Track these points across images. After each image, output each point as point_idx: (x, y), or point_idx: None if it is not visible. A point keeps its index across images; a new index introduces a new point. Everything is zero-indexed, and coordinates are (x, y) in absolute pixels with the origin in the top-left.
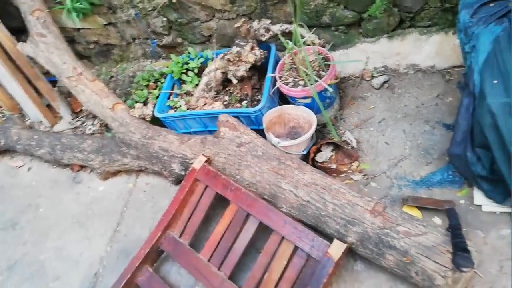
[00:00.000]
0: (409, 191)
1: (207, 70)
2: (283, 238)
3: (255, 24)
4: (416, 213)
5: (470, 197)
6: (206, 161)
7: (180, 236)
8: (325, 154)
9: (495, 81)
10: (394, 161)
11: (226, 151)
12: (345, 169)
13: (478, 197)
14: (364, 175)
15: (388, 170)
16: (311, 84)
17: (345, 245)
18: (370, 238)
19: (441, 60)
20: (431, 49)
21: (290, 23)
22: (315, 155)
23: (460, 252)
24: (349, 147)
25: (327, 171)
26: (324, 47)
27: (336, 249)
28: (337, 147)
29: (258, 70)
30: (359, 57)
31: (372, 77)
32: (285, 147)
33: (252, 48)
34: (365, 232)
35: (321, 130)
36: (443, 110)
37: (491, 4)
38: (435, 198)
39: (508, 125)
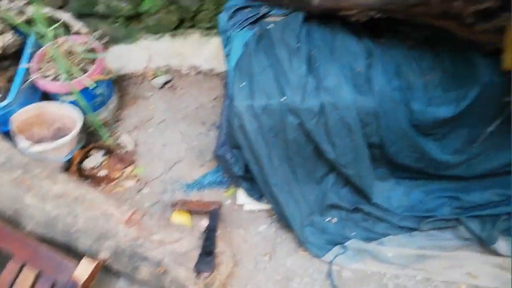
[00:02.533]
0: (182, 194)
1: None
2: (23, 265)
3: (3, 3)
4: (186, 217)
5: (235, 197)
6: None
7: None
8: (95, 160)
9: (242, 84)
10: (170, 164)
11: None
12: (118, 175)
13: (241, 196)
14: (137, 181)
15: (163, 174)
16: (70, 80)
17: (93, 264)
18: (124, 251)
19: (219, 63)
20: (210, 51)
21: (61, 7)
22: (81, 161)
23: (202, 256)
24: (123, 151)
25: (96, 178)
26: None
27: (82, 270)
28: (109, 151)
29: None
30: (142, 54)
31: (155, 76)
32: (41, 152)
33: (1, 33)
34: (119, 245)
35: (94, 133)
36: (219, 112)
37: (246, 10)
38: (204, 201)
39: (253, 127)
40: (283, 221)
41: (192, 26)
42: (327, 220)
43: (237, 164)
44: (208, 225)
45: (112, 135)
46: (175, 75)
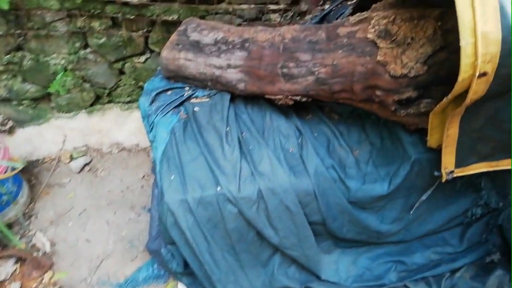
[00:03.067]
0: None
1: None
2: None
3: None
4: None
5: None
6: None
7: None
8: (5, 271)
9: (172, 177)
10: (96, 262)
11: None
12: (35, 285)
13: None
14: None
15: (89, 275)
16: None
17: None
18: None
19: (145, 137)
20: (133, 125)
21: None
22: None
23: None
24: (39, 255)
25: None
26: (4, 126)
27: None
28: (22, 257)
29: None
30: (55, 135)
31: (72, 158)
32: None
33: None
34: None
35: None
36: (149, 193)
37: (168, 93)
38: None
39: (188, 222)
40: None
41: (110, 101)
42: None
43: (174, 261)
44: None
45: (23, 236)
46: (95, 156)
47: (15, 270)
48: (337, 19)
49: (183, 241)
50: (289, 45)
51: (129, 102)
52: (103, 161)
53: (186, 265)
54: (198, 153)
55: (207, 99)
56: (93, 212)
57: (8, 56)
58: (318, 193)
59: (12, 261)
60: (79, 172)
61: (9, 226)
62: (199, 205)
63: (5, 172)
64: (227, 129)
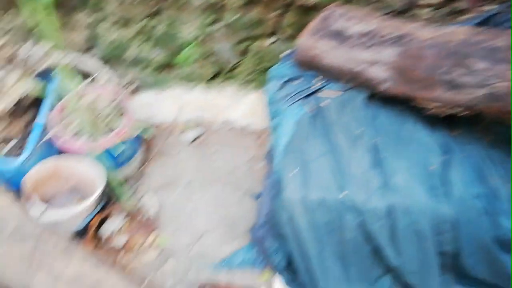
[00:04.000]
0: (209, 273)
1: None
2: None
3: (25, 47)
4: None
5: (271, 284)
6: None
7: None
8: (113, 225)
9: (294, 171)
10: (197, 235)
11: None
12: (138, 244)
13: (278, 285)
14: (160, 253)
15: (188, 247)
16: (93, 138)
17: None
18: None
19: (256, 120)
20: (248, 106)
21: (88, 50)
22: (99, 226)
23: None
24: (146, 216)
25: (113, 249)
26: (129, 87)
27: None
28: (131, 215)
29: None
30: (172, 104)
31: (185, 130)
32: (54, 221)
33: (21, 78)
34: None
35: (113, 192)
36: (256, 176)
37: (296, 82)
38: (235, 284)
39: (304, 222)
40: None
41: (229, 78)
42: None
43: (278, 255)
44: None
45: (133, 195)
46: (207, 130)
47: (123, 225)
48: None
49: (295, 239)
50: (458, 49)
51: (247, 82)
52: (214, 136)
53: (289, 261)
54: (324, 152)
55: (339, 93)
56: (200, 185)
57: (144, 21)
58: (459, 223)
59: (121, 216)
60: (190, 143)
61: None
62: (319, 207)
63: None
64: (359, 131)
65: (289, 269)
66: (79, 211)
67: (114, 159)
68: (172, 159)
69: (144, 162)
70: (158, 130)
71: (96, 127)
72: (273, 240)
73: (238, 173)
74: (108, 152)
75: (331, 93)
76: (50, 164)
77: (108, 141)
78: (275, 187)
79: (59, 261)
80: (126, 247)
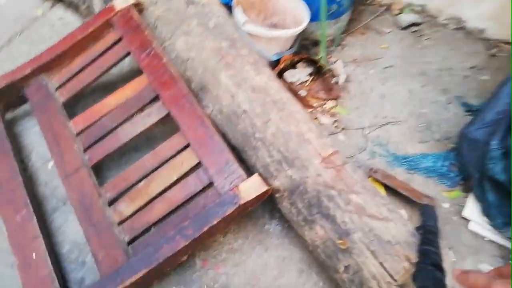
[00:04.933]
0: (383, 163)
1: None
2: (188, 145)
3: None
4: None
5: (459, 204)
6: (135, 5)
7: (56, 89)
8: (299, 75)
9: None
10: (381, 120)
11: (168, 4)
12: (316, 103)
13: (469, 208)
14: (335, 121)
15: (368, 128)
16: None
17: (265, 187)
18: (306, 193)
19: (495, 27)
20: (490, 7)
21: None
22: (285, 68)
23: (430, 268)
24: (332, 81)
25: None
26: None
27: (251, 187)
28: (318, 73)
29: None
30: None
31: (401, 11)
32: (252, 35)
33: None
34: (303, 181)
35: (308, 47)
36: (472, 86)
37: None
38: (413, 187)
39: None
40: None
41: None
42: None
43: (502, 162)
44: (424, 223)
45: (327, 57)
46: (428, 21)
47: (307, 81)
48: None
49: None
50: None
51: None
52: (433, 30)
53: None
54: None
55: None
56: (399, 72)
57: None
58: None
59: (308, 71)
60: (403, 29)
61: (315, 43)
62: None
63: None
64: None
65: (502, 191)
66: (275, 36)
67: (329, 3)
68: (377, 37)
69: (346, 31)
70: (370, 5)
71: None
72: (502, 143)
73: (449, 77)
74: None
75: None
76: None
77: None
78: None
79: (247, 69)
80: (303, 102)
